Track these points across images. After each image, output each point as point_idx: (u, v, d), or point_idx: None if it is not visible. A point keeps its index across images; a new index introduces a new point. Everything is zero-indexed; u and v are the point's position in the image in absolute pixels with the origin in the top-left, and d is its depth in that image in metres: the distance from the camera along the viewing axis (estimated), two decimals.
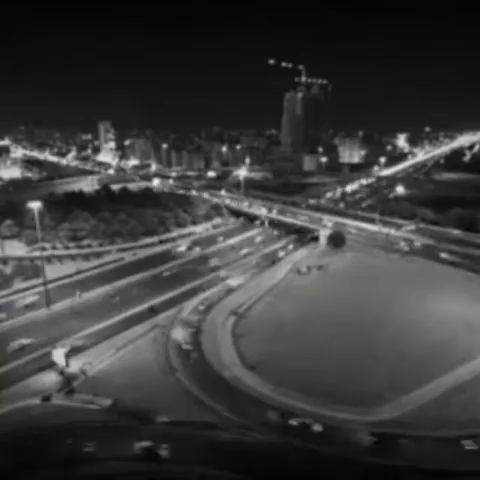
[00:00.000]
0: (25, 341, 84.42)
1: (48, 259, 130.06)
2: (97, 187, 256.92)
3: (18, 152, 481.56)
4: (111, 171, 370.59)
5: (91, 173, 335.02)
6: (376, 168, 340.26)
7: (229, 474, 51.97)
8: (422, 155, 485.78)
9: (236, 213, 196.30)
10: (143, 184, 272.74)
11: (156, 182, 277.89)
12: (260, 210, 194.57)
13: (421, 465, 53.02)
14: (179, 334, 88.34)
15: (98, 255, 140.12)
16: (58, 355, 75.58)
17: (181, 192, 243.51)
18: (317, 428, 59.82)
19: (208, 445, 57.22)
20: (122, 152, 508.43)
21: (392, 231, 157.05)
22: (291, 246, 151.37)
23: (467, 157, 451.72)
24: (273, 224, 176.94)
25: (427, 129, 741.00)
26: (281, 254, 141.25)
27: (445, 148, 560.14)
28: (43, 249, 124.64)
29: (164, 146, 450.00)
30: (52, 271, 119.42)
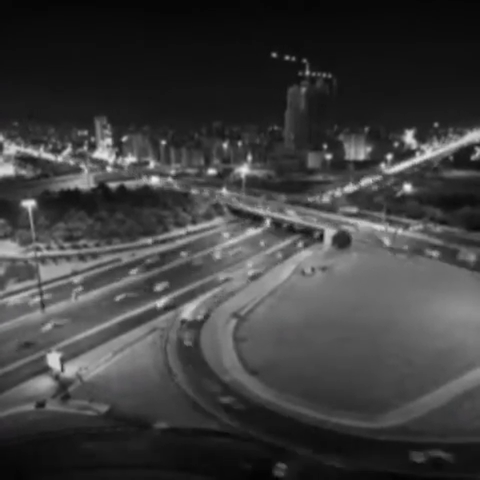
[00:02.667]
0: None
1: (42, 260, 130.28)
2: (93, 185, 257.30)
3: (11, 149, 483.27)
4: (108, 168, 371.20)
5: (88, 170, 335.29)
6: (383, 165, 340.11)
7: None
8: (430, 152, 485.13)
9: (237, 212, 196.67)
10: (141, 182, 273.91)
11: (154, 180, 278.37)
12: (262, 209, 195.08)
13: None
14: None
15: (94, 256, 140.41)
16: (53, 359, 75.74)
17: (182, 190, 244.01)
18: None
19: (208, 452, 57.40)
20: (119, 149, 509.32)
21: (399, 230, 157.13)
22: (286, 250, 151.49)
23: (477, 154, 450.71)
24: (275, 223, 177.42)
25: (435, 125, 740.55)
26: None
27: (454, 145, 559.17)
28: (37, 249, 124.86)
29: (162, 142, 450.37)
30: (47, 272, 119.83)
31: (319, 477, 54.00)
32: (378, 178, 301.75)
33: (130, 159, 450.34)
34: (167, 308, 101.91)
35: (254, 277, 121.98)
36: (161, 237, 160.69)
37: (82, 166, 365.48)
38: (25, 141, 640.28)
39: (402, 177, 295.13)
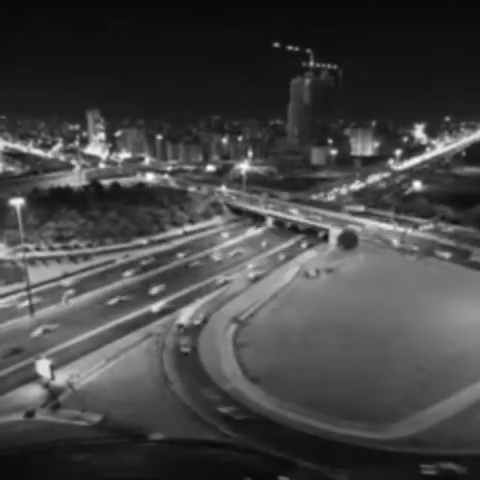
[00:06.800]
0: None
1: (31, 261, 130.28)
2: (85, 182, 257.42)
3: None
4: (101, 165, 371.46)
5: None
6: (391, 161, 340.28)
7: None
8: (441, 147, 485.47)
9: (238, 211, 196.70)
10: (136, 179, 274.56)
11: (150, 177, 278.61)
12: (264, 208, 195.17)
13: None
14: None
15: (86, 257, 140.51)
16: (43, 367, 75.70)
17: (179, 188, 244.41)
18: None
19: (206, 465, 57.46)
20: (113, 144, 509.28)
21: (409, 230, 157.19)
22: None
23: None
24: (278, 223, 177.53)
25: (447, 119, 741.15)
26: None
27: (466, 140, 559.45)
28: (26, 250, 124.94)
29: (158, 137, 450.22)
30: (36, 274, 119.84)
31: None
32: (386, 175, 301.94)
33: (124, 155, 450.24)
34: (163, 312, 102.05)
35: (255, 280, 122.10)
36: (157, 237, 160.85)
37: (73, 162, 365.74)
38: (13, 136, 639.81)
39: (411, 174, 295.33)
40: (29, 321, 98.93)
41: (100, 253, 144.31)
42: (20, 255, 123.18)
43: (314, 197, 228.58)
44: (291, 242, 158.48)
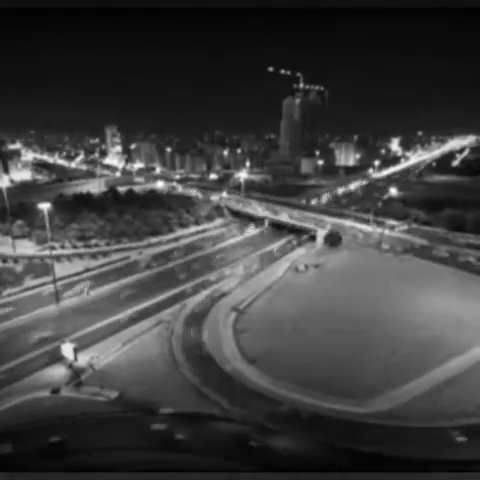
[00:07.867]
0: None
1: (57, 258, 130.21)
2: (104, 189, 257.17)
3: (29, 155, 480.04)
4: (117, 174, 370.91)
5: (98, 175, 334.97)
6: (370, 171, 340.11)
7: (230, 463, 52.07)
8: (415, 158, 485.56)
9: (237, 214, 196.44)
10: (148, 186, 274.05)
11: (160, 184, 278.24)
12: (259, 211, 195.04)
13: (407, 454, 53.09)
14: None
15: (105, 254, 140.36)
16: (67, 349, 75.81)
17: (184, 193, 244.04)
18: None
19: (210, 435, 57.49)
20: (128, 155, 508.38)
21: (386, 231, 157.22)
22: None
23: (457, 160, 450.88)
24: (271, 224, 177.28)
25: (419, 133, 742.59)
26: None
27: (436, 152, 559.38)
28: (52, 248, 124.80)
29: (168, 150, 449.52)
30: (61, 269, 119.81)
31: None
32: (366, 182, 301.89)
33: (138, 165, 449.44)
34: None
35: (252, 274, 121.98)
36: (166, 237, 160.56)
37: (94, 170, 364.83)
38: (41, 148, 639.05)
39: (388, 181, 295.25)
40: (55, 310, 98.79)
41: (117, 250, 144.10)
42: (47, 252, 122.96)
43: (303, 201, 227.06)
44: (283, 241, 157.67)
